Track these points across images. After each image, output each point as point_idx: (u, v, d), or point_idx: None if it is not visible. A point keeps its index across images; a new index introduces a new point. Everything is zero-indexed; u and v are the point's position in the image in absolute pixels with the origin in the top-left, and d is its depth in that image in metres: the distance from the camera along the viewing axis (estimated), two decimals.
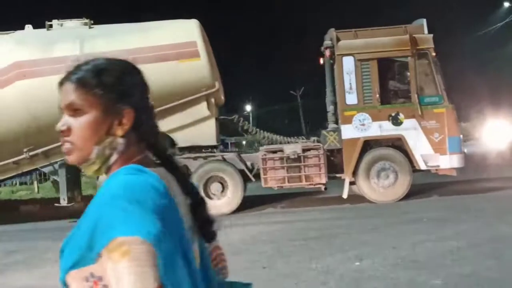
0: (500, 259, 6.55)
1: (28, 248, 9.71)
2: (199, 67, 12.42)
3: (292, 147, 12.35)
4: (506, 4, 40.37)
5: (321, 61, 13.59)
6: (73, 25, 12.92)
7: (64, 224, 12.57)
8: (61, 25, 12.93)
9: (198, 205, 1.60)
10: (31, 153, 12.39)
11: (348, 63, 12.17)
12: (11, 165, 12.67)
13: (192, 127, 12.64)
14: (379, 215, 10.52)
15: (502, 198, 11.79)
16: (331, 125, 12.53)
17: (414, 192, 12.51)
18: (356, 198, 12.49)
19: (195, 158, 12.60)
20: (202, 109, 12.62)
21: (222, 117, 13.11)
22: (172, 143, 1.63)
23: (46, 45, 12.37)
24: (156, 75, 11.92)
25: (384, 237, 8.37)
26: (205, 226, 1.62)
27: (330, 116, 12.58)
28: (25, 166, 12.84)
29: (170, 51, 12.34)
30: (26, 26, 12.97)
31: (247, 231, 9.67)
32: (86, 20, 12.91)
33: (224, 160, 12.49)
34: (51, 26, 12.91)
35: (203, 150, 12.89)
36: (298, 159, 12.20)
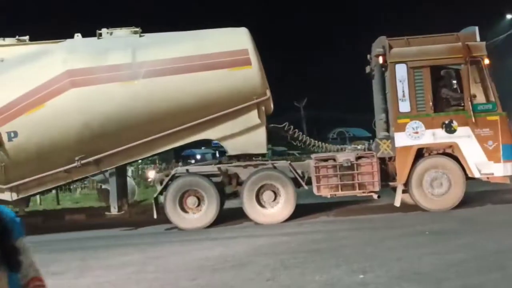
0: (505, 272, 6.52)
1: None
2: (250, 75, 12.42)
3: (346, 155, 12.30)
4: (509, 16, 40.40)
5: (367, 69, 13.61)
6: (123, 34, 12.96)
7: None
8: (111, 33, 12.96)
9: (2, 234, 1.52)
10: (82, 161, 12.37)
11: (401, 70, 12.14)
12: (62, 174, 12.67)
13: (242, 135, 12.63)
14: (384, 227, 10.56)
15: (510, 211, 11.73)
16: (382, 133, 12.48)
17: None
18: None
19: (245, 166, 12.56)
20: (253, 117, 12.60)
21: (272, 125, 13.08)
22: None
23: (98, 54, 12.42)
24: (208, 83, 12.18)
25: (389, 249, 8.35)
26: (9, 255, 1.54)
27: (381, 124, 12.53)
28: (76, 175, 12.86)
29: (222, 59, 12.35)
30: (76, 35, 13.01)
31: (251, 243, 9.74)
32: (136, 29, 12.94)
33: (275, 168, 12.44)
34: (100, 35, 12.94)
35: (254, 158, 12.86)
36: (351, 167, 12.15)
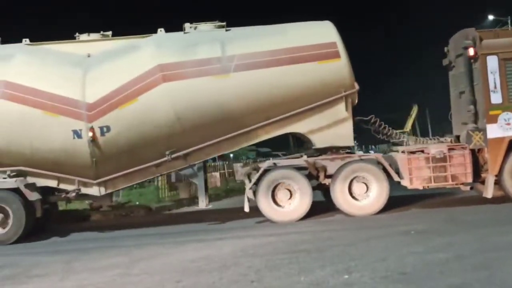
0: (490, 271, 6.53)
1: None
2: (339, 68, 12.43)
3: (438, 147, 12.32)
4: (491, 17, 40.78)
5: (444, 61, 13.67)
6: (207, 28, 12.95)
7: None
8: (195, 28, 12.97)
9: None
10: (173, 156, 12.38)
11: (492, 62, 12.16)
12: (151, 169, 12.68)
13: (330, 128, 12.63)
14: (369, 227, 10.57)
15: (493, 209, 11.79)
16: (471, 125, 12.49)
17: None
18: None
19: (332, 159, 12.57)
20: (340, 110, 12.60)
21: (358, 117, 13.08)
22: None
23: (187, 48, 12.42)
24: (296, 76, 12.21)
25: (373, 249, 8.37)
26: None
27: (470, 116, 12.54)
28: (164, 169, 12.86)
29: (310, 52, 12.37)
30: (159, 29, 13.02)
31: (237, 244, 9.74)
32: (221, 23, 12.94)
33: (366, 160, 12.45)
34: (184, 29, 12.96)
35: (340, 151, 12.87)
36: (443, 158, 12.17)
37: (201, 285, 7.00)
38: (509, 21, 40.81)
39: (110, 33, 13.21)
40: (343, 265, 7.37)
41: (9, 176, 12.19)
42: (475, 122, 12.54)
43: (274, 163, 12.54)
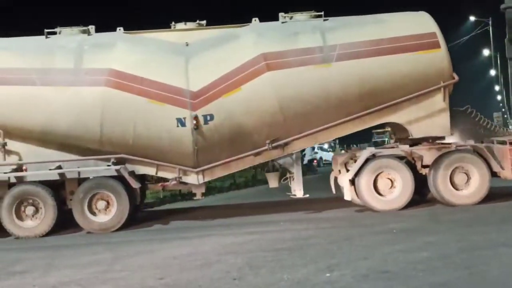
0: (472, 269, 6.54)
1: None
2: (439, 58, 12.49)
3: None
4: (472, 19, 41.03)
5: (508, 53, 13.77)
6: (304, 18, 12.98)
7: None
8: (291, 18, 13.00)
9: None
10: (273, 145, 12.42)
11: None
12: (249, 158, 12.72)
13: (427, 118, 12.68)
14: (351, 226, 10.59)
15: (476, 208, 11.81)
16: None
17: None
18: None
19: (428, 149, 12.61)
20: (438, 100, 12.64)
21: (454, 108, 13.11)
22: None
23: (288, 37, 12.46)
24: (397, 66, 12.27)
25: (355, 247, 8.38)
26: None
27: None
28: (262, 158, 12.89)
29: (410, 42, 12.41)
30: (253, 19, 13.06)
31: (219, 242, 9.77)
32: (319, 13, 12.97)
33: (465, 150, 12.48)
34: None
35: (437, 142, 12.91)
36: None
37: (184, 282, 6.97)
38: (490, 22, 41.15)
39: (204, 22, 13.25)
40: (325, 263, 7.36)
41: (113, 164, 12.21)
42: None
43: (373, 154, 12.55)
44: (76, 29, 12.91)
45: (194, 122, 11.96)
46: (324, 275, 6.81)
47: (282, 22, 12.90)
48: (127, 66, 12.09)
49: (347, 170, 12.67)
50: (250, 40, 12.39)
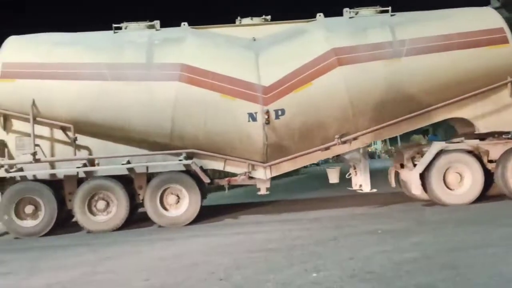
0: (457, 271, 6.52)
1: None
2: (506, 53, 12.49)
3: None
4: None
5: None
6: (369, 13, 13.01)
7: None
8: (356, 13, 13.02)
9: None
10: (342, 139, 12.45)
11: None
12: (317, 153, 12.74)
13: (494, 113, 12.72)
14: (337, 227, 10.54)
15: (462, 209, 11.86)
16: None
17: None
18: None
19: (494, 144, 12.65)
20: (505, 95, 12.67)
21: None
22: None
23: (357, 32, 12.47)
24: (465, 61, 12.29)
25: (342, 248, 8.38)
26: None
27: None
28: (330, 153, 12.92)
29: (479, 37, 12.42)
30: (318, 14, 13.07)
31: (206, 243, 9.75)
32: (386, 8, 12.98)
33: None
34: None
35: (503, 136, 12.96)
36: None
37: (170, 283, 6.91)
38: None
39: (269, 17, 13.26)
40: (311, 264, 7.33)
41: (184, 159, 12.22)
42: None
43: (442, 148, 12.57)
44: (142, 24, 12.91)
45: (266, 117, 11.96)
46: (311, 275, 6.76)
47: (350, 17, 12.90)
48: (199, 60, 12.09)
49: (414, 165, 12.70)
50: (321, 35, 12.40)
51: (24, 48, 12.37)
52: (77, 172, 12.25)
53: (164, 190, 12.22)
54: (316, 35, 12.43)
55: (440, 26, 12.54)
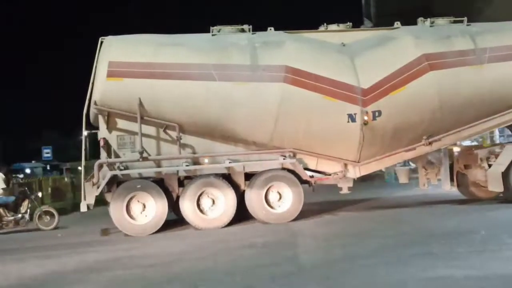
0: (332, 282, 6.86)
1: None
2: None
3: None
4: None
5: None
6: (444, 22, 13.86)
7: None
8: (433, 22, 13.85)
9: None
10: (429, 140, 13.21)
11: None
12: (402, 153, 13.42)
13: None
14: (217, 241, 10.74)
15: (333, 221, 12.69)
16: None
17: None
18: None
19: None
20: None
21: None
22: None
23: (442, 39, 13.31)
24: None
25: (221, 263, 8.59)
26: None
27: None
28: (413, 154, 13.61)
29: None
30: (395, 23, 13.85)
31: (82, 260, 9.60)
32: (460, 18, 13.87)
33: None
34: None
35: None
36: None
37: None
38: None
39: (350, 24, 13.92)
40: (190, 280, 7.39)
41: (284, 158, 12.65)
42: None
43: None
44: (235, 28, 13.26)
45: (366, 118, 12.56)
46: None
47: (430, 26, 13.71)
48: (301, 63, 12.56)
49: (489, 166, 13.59)
50: (411, 41, 13.14)
51: (129, 48, 12.49)
52: (177, 171, 12.45)
53: (269, 188, 12.56)
54: (407, 42, 13.15)
55: None
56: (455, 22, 13.95)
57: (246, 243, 10.06)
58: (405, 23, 13.82)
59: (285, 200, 12.68)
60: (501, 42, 13.40)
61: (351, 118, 12.65)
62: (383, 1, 29.04)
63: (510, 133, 18.69)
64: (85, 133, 12.81)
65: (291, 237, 10.71)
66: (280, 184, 12.67)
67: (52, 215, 14.58)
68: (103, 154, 12.30)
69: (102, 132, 12.41)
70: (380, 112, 12.73)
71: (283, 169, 12.80)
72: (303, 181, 12.89)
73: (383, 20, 19.96)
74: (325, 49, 13.09)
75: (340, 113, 12.62)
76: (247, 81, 12.39)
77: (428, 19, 13.91)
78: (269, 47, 12.79)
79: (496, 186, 13.36)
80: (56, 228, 14.32)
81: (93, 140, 13.02)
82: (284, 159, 12.66)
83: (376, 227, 11.31)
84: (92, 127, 13.02)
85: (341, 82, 12.62)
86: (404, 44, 13.18)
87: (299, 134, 12.68)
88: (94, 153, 14.01)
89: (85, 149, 12.79)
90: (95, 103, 12.16)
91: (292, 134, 12.68)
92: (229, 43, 12.80)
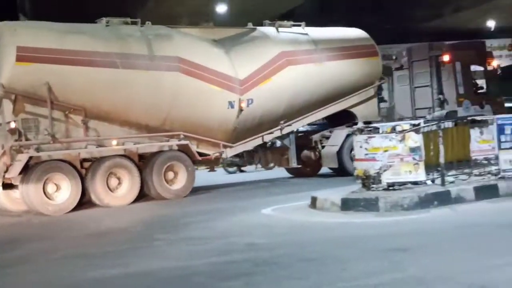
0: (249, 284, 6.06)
1: None
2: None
3: None
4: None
5: (394, 65, 20.02)
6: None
7: None
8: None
9: None
10: (284, 125, 15.99)
11: (458, 66, 18.85)
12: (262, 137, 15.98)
13: None
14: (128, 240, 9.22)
15: None
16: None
17: None
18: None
19: None
20: None
21: None
22: None
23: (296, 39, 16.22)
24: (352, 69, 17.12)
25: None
26: None
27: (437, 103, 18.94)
28: (269, 137, 16.16)
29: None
30: (248, 23, 16.38)
31: None
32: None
33: None
34: None
35: None
36: None
37: None
38: None
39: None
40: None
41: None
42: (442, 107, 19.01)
43: None
44: (121, 20, 14.26)
45: (243, 104, 14.78)
46: None
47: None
48: (191, 55, 14.23)
49: (322, 147, 16.84)
50: (270, 40, 15.77)
51: (38, 33, 12.76)
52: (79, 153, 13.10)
53: (167, 167, 13.91)
54: (268, 40, 15.68)
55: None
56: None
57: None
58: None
59: (180, 179, 14.13)
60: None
61: (231, 105, 14.73)
62: None
63: None
64: None
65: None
66: (177, 164, 14.06)
67: None
68: (12, 137, 12.33)
69: (8, 116, 12.42)
70: (252, 100, 15.02)
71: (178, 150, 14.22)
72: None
73: None
74: (204, 44, 14.91)
75: (223, 101, 14.60)
76: (146, 69, 13.60)
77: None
78: (162, 39, 14.17)
79: (330, 163, 16.58)
80: None
81: None
82: (179, 140, 14.11)
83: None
84: None
85: (223, 73, 14.60)
86: (266, 42, 15.68)
87: (189, 119, 14.28)
88: None
89: None
90: (3, 86, 12.18)
91: (183, 119, 14.21)
92: (125, 34, 13.83)
